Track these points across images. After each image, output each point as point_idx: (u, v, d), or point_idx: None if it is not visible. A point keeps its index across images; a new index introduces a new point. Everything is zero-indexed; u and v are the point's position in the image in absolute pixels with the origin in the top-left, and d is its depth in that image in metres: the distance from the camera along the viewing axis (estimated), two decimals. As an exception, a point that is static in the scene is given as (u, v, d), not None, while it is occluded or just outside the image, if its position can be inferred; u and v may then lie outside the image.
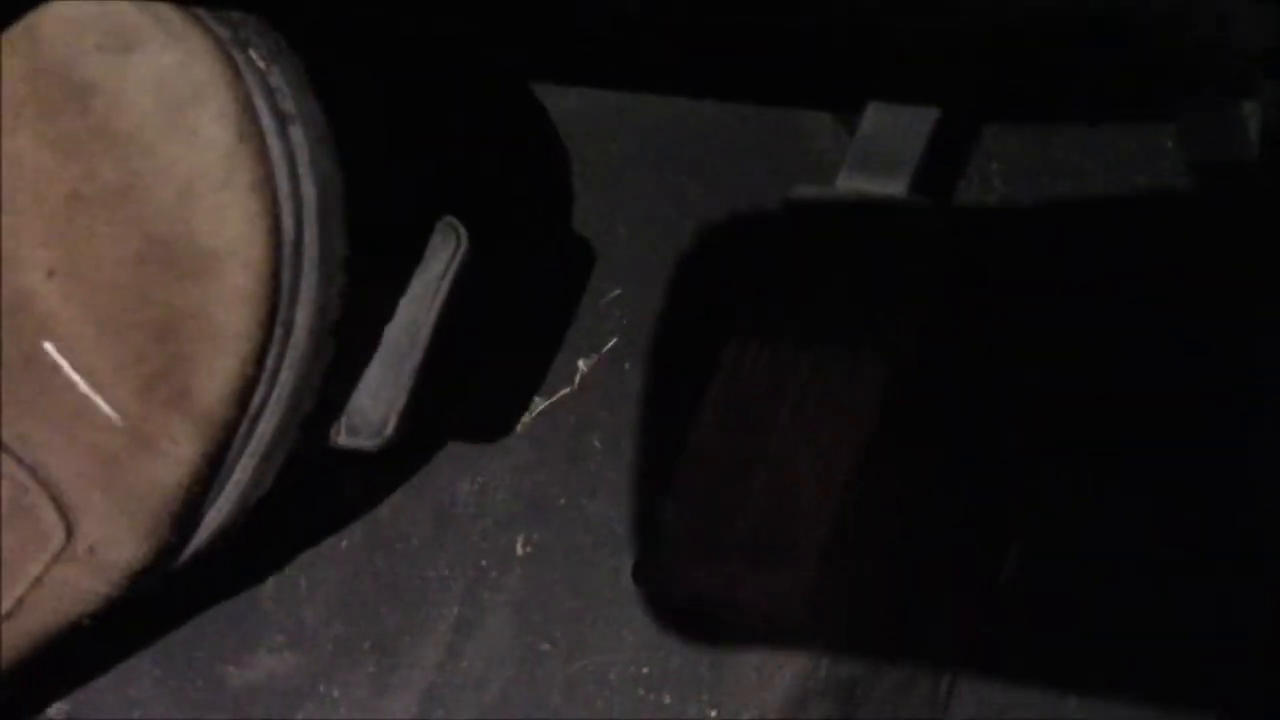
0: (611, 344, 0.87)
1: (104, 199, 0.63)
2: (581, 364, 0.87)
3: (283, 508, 0.85)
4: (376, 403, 0.70)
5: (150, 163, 0.63)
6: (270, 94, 0.64)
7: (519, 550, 0.85)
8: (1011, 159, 0.82)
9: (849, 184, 0.79)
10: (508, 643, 0.83)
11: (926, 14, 0.56)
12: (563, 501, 0.85)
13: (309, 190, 0.64)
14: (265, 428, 0.67)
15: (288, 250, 0.64)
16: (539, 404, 0.87)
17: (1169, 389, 0.73)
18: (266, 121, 0.64)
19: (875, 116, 0.80)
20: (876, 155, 0.79)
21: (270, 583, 0.87)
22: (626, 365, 0.86)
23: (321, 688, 0.84)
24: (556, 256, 0.88)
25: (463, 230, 0.70)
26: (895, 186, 0.79)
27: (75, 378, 0.64)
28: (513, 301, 0.87)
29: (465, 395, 0.87)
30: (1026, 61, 0.69)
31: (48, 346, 0.64)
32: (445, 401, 0.86)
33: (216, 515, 0.69)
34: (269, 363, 0.65)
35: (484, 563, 0.85)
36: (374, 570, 0.86)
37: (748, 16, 0.62)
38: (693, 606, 0.79)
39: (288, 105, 0.65)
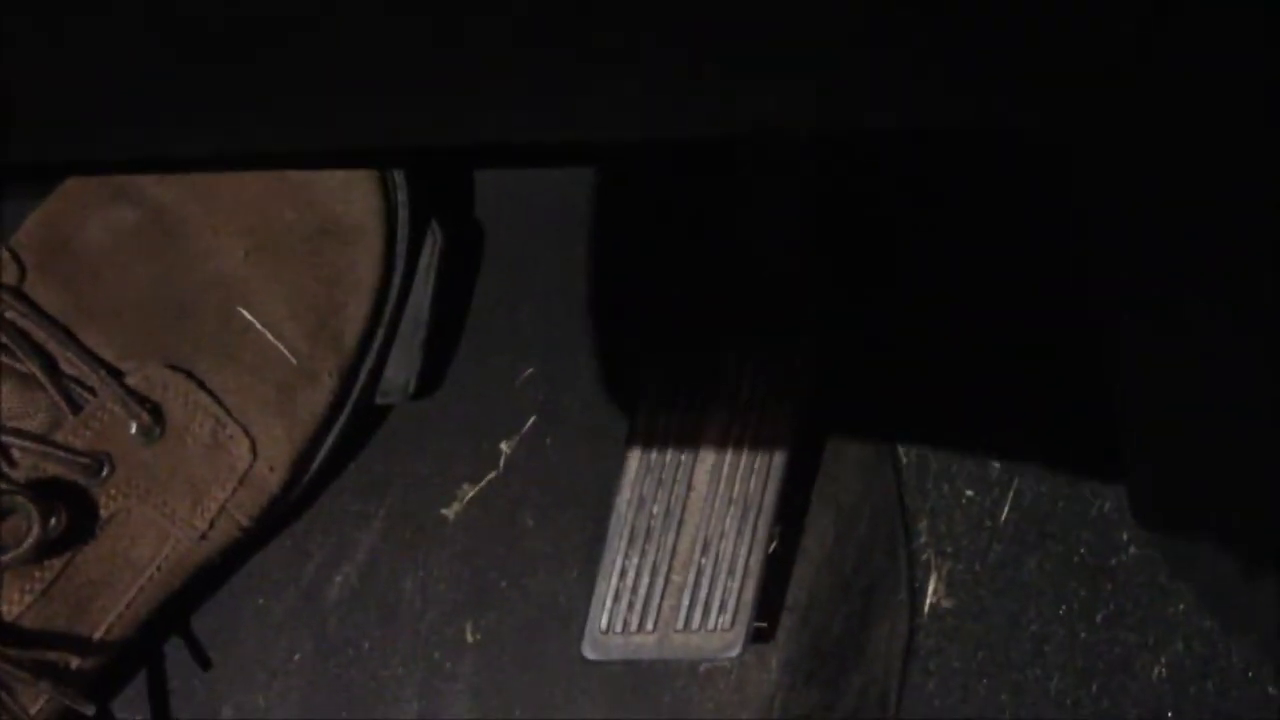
0: (531, 422, 0.88)
1: (291, 191, 0.83)
2: (504, 446, 0.88)
3: (234, 629, 0.86)
4: (398, 371, 0.87)
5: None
6: None
7: (469, 637, 0.86)
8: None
9: None
10: (470, 730, 0.84)
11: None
12: (504, 583, 0.86)
13: (401, 190, 0.85)
14: (368, 366, 0.85)
15: (400, 232, 0.85)
16: (468, 491, 0.88)
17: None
18: None
19: None
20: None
21: (228, 705, 0.88)
22: (548, 441, 0.88)
23: (293, 803, 0.85)
24: (466, 344, 0.90)
25: (438, 228, 0.87)
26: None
27: (263, 331, 0.82)
28: (430, 392, 0.89)
29: (395, 492, 0.88)
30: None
31: (240, 310, 0.82)
32: (377, 504, 0.87)
33: (329, 441, 0.86)
34: (385, 312, 0.85)
35: (436, 655, 0.86)
36: (330, 678, 0.87)
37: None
38: (640, 663, 0.81)
39: None
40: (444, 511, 0.88)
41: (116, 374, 0.81)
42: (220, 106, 0.51)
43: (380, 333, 0.85)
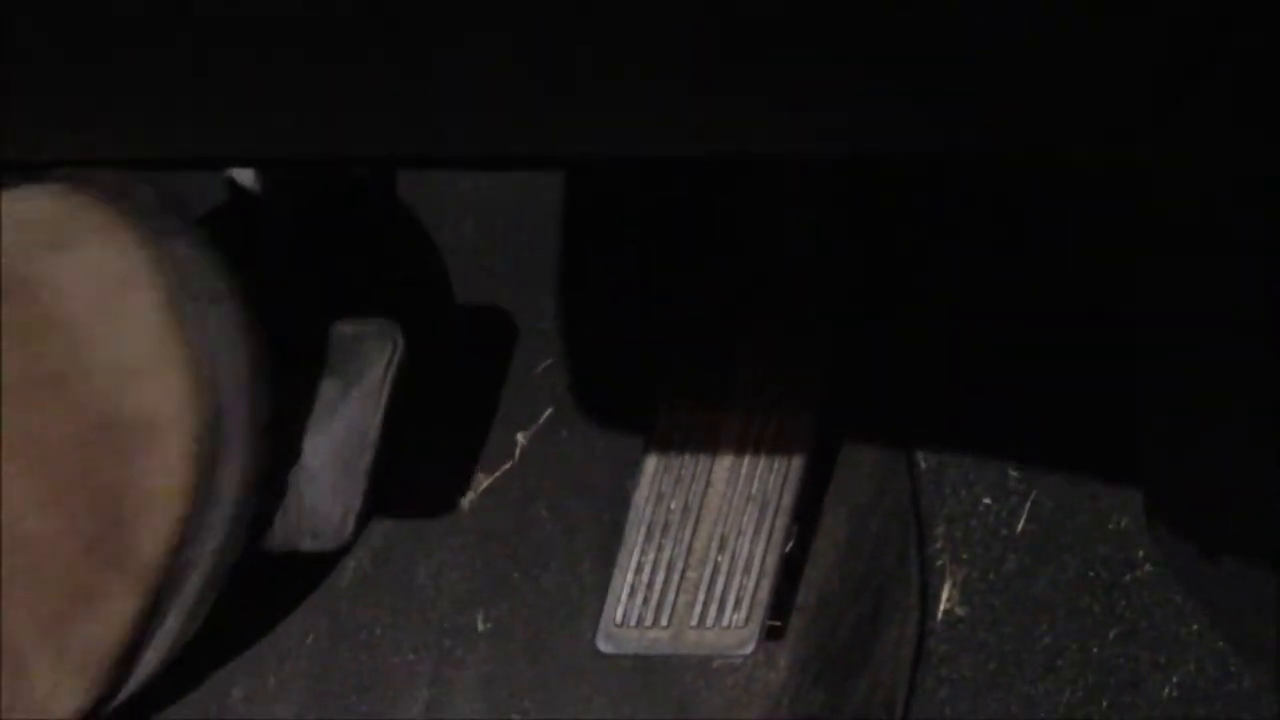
0: (548, 414, 0.89)
1: (51, 383, 0.71)
2: (520, 437, 0.89)
3: (246, 611, 0.86)
4: (333, 506, 0.77)
5: (90, 348, 0.70)
6: (195, 278, 0.72)
7: (480, 627, 0.86)
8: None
9: None
10: (479, 718, 0.84)
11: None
12: (517, 574, 0.87)
13: (235, 365, 0.72)
14: (195, 579, 0.74)
15: (214, 421, 0.71)
16: (483, 481, 0.89)
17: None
18: (191, 305, 0.71)
19: None
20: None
21: (240, 685, 0.88)
22: (564, 433, 0.88)
23: (300, 784, 0.86)
24: (485, 335, 0.90)
25: (398, 333, 0.77)
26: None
27: (25, 552, 0.71)
28: (448, 384, 0.89)
29: (411, 481, 0.89)
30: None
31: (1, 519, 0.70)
32: (393, 489, 0.88)
33: (148, 664, 0.76)
34: (198, 520, 0.72)
35: (447, 643, 0.87)
36: (341, 662, 0.87)
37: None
38: (651, 657, 0.81)
39: (219, 287, 0.72)
40: (459, 500, 0.88)
41: None
42: (219, 110, 0.51)
43: (211, 536, 0.72)
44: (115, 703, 0.75)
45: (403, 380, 0.77)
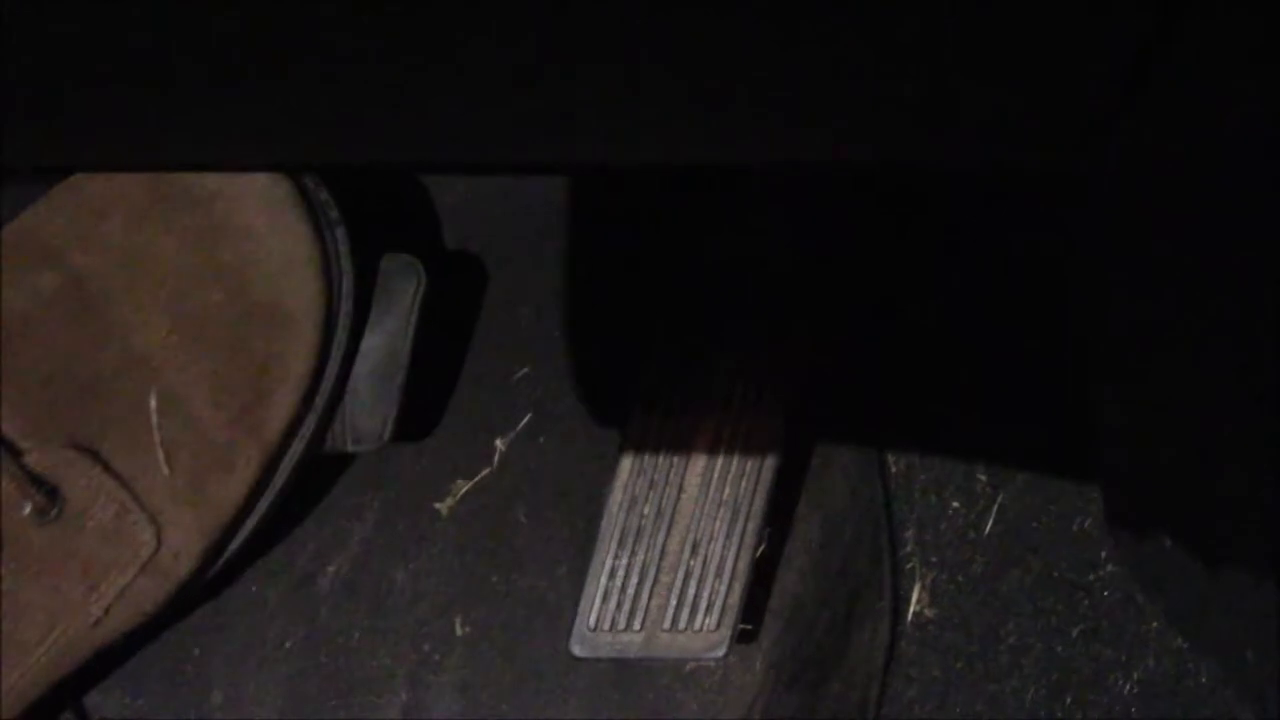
0: (526, 420, 0.90)
1: (222, 275, 0.82)
2: (499, 443, 0.90)
3: (225, 614, 0.87)
4: (373, 416, 0.86)
5: (258, 247, 0.83)
6: (322, 207, 0.86)
7: (458, 631, 0.87)
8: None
9: None
10: (456, 721, 0.85)
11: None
12: (495, 578, 0.87)
13: (346, 275, 0.85)
14: (295, 452, 0.84)
15: (332, 319, 0.84)
16: (462, 486, 0.89)
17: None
18: (324, 226, 0.85)
19: None
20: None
21: (218, 688, 0.89)
22: (542, 439, 0.89)
23: (279, 789, 0.87)
24: (463, 341, 0.91)
25: (421, 267, 0.86)
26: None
27: (178, 414, 0.81)
28: (426, 389, 0.90)
29: (390, 486, 0.89)
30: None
31: (155, 393, 0.81)
32: (372, 494, 0.89)
33: (243, 535, 0.84)
34: (309, 403, 0.83)
35: (425, 647, 0.87)
36: (319, 667, 0.88)
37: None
38: (626, 661, 0.82)
39: (334, 215, 0.86)
40: (437, 505, 0.89)
41: (15, 452, 0.79)
42: (234, 116, 0.52)
43: (312, 419, 0.83)
44: (214, 569, 0.84)
45: (428, 308, 0.87)
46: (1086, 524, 0.77)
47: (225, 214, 0.84)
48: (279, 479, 0.84)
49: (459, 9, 0.44)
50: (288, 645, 0.89)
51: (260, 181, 0.85)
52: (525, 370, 0.90)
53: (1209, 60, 0.45)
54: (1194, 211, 0.52)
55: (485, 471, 0.89)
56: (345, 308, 0.84)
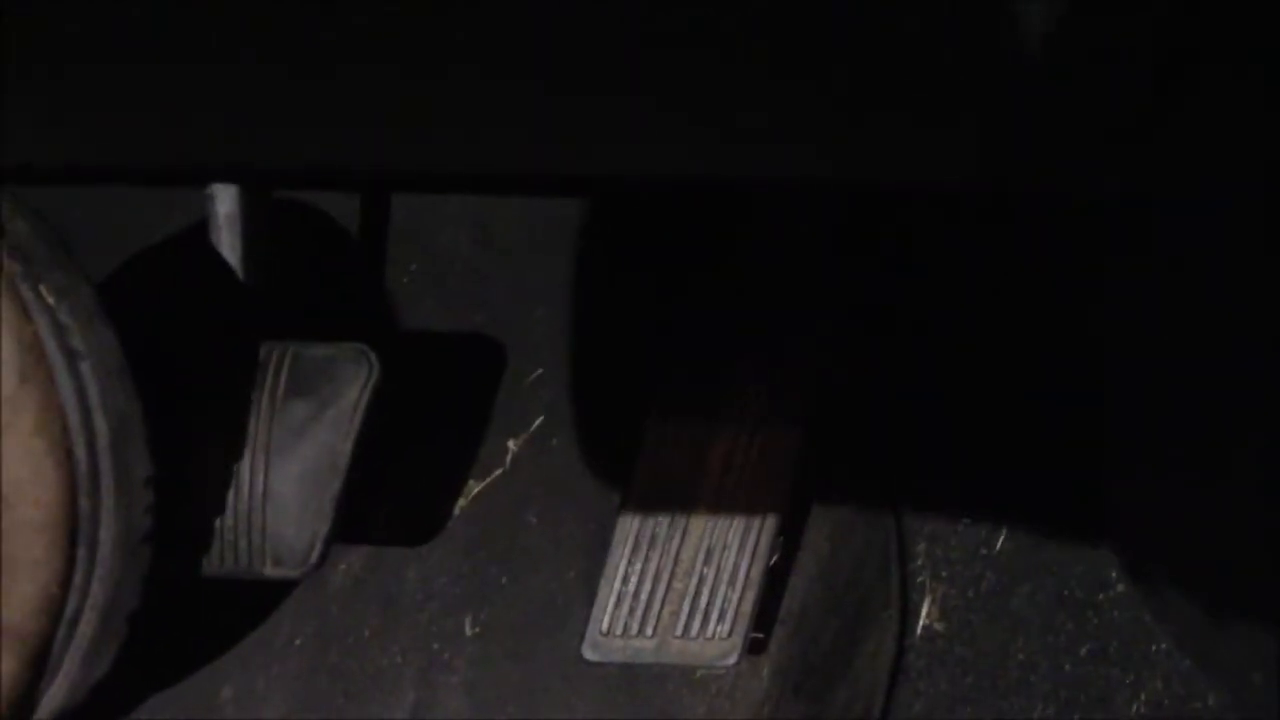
0: (538, 422, 0.90)
1: None
2: (511, 444, 0.90)
3: (236, 612, 0.88)
4: (300, 531, 0.74)
5: None
6: (59, 331, 0.69)
7: (468, 631, 0.87)
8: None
9: None
10: (465, 721, 0.86)
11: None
12: (505, 580, 0.88)
13: (101, 424, 0.69)
14: (85, 629, 0.71)
15: (83, 481, 0.69)
16: (474, 487, 0.90)
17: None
18: (55, 360, 0.69)
19: None
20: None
21: (229, 685, 0.89)
22: (554, 441, 0.89)
23: (287, 784, 0.87)
24: (477, 344, 0.91)
25: (373, 356, 0.74)
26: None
27: None
28: (440, 392, 0.90)
29: (403, 486, 0.90)
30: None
31: None
32: (386, 495, 0.89)
33: (50, 703, 0.73)
34: (77, 579, 0.70)
35: (435, 646, 0.88)
36: (329, 664, 0.88)
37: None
38: (635, 666, 0.83)
39: (76, 342, 0.69)
40: (450, 506, 0.89)
41: None
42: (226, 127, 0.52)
43: (105, 590, 0.70)
44: None
45: (377, 406, 0.75)
46: (1098, 543, 0.77)
47: None
48: (71, 659, 0.72)
49: (459, 23, 0.45)
50: (298, 642, 0.89)
51: None
52: (538, 372, 0.91)
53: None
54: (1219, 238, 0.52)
55: (497, 472, 0.90)
56: (106, 467, 0.67)
